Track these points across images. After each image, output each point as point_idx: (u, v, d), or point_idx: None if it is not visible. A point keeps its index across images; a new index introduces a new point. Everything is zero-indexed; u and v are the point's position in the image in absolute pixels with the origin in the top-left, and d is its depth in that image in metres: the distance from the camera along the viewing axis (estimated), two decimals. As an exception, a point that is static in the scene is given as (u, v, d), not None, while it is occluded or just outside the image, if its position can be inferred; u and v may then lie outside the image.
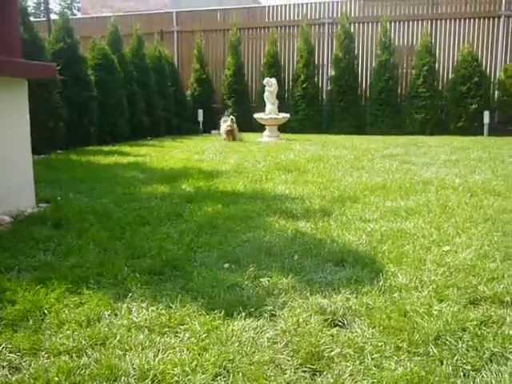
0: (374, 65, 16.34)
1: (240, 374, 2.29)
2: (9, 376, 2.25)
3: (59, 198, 5.58)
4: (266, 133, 13.70)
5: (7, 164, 4.90)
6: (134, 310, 2.88)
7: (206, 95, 18.08)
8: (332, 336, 2.65)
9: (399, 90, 16.20)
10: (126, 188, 6.27)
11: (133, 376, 2.24)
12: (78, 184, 6.51)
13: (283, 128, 14.30)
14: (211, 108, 17.91)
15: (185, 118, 17.05)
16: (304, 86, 16.63)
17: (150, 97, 14.85)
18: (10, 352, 2.44)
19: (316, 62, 17.08)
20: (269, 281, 3.34)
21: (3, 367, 2.32)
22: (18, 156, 5.13)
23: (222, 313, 2.84)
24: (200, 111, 17.54)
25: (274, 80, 14.03)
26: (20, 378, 2.22)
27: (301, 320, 2.81)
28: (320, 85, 17.22)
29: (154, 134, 14.67)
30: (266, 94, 13.97)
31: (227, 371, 2.32)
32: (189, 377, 2.25)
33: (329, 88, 16.77)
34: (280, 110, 14.05)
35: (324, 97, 17.13)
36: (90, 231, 4.34)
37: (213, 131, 16.81)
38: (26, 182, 5.19)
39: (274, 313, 2.90)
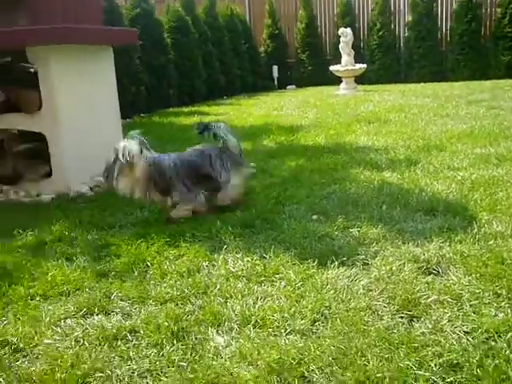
0: (454, 6, 15.51)
1: (338, 319, 2.34)
2: (122, 321, 2.42)
3: (147, 159, 5.78)
4: (342, 85, 13.44)
5: (99, 126, 5.12)
6: (229, 260, 2.99)
7: (279, 51, 17.88)
8: (427, 283, 2.65)
9: (483, 32, 15.32)
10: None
11: (235, 321, 2.35)
12: (162, 145, 6.68)
13: (359, 79, 13.96)
14: (285, 63, 17.73)
15: (259, 75, 17.00)
16: (380, 34, 16.08)
17: (225, 56, 14.90)
18: (121, 300, 2.61)
19: (392, 9, 16.42)
20: (359, 231, 3.36)
21: (116, 313, 2.50)
22: (108, 119, 5.35)
23: (315, 262, 2.90)
24: (274, 67, 17.41)
25: (349, 30, 13.66)
26: (133, 323, 2.38)
27: (394, 268, 2.81)
28: (397, 32, 16.58)
29: (230, 93, 14.77)
30: (341, 44, 13.65)
31: (325, 317, 2.39)
32: (288, 322, 2.33)
33: (406, 35, 16.12)
34: (355, 60, 13.71)
35: (401, 44, 16.51)
36: (181, 188, 4.49)
37: (288, 87, 16.70)
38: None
39: (366, 262, 2.92)
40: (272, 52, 17.77)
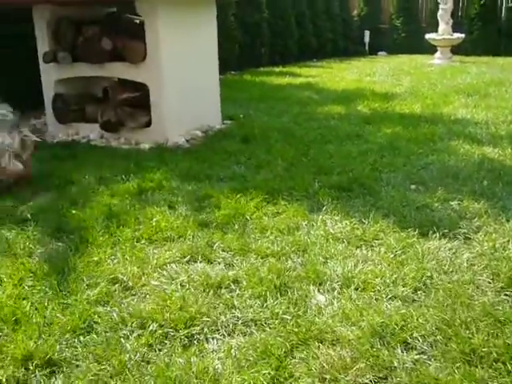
0: None
1: (440, 290, 2.31)
2: (225, 271, 2.49)
3: (241, 116, 5.84)
4: (437, 54, 12.90)
5: (199, 80, 5.19)
6: (328, 222, 3.00)
7: (373, 15, 17.31)
8: (533, 263, 2.55)
9: None
10: (303, 108, 6.37)
11: (337, 282, 2.36)
12: (256, 103, 6.73)
13: (455, 49, 13.32)
14: (378, 28, 17.18)
15: (351, 40, 16.58)
16: (481, 3, 15.22)
17: (318, 18, 14.61)
18: (223, 250, 2.69)
19: (496, -23, 15.45)
20: (459, 204, 3.27)
21: (219, 263, 2.57)
22: (207, 73, 5.41)
23: (416, 231, 2.85)
24: (366, 32, 16.92)
25: (450, -3, 13.02)
26: (235, 274, 2.45)
27: (498, 245, 2.73)
28: (499, 2, 15.62)
29: (320, 56, 14.52)
30: (440, 12, 13.04)
31: (426, 287, 2.36)
32: (390, 288, 2.32)
33: (510, 4, 15.17)
34: (453, 29, 13.08)
35: (503, 15, 15.56)
36: (276, 147, 4.53)
37: (379, 53, 16.22)
38: (215, 100, 5.48)
39: (468, 236, 2.85)
40: (365, 16, 17.25)
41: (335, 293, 2.29)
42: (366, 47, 16.81)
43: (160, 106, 4.81)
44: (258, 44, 11.63)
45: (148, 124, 4.93)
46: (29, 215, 3.14)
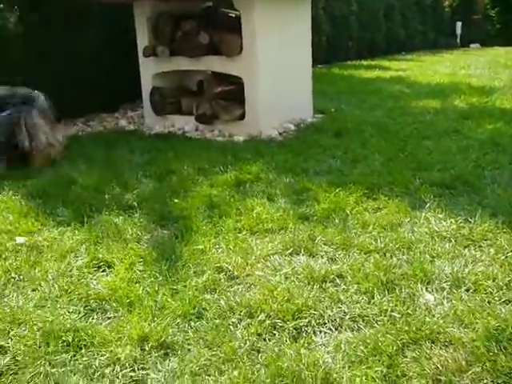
0: None
1: (559, 294, 2.19)
2: (328, 265, 2.48)
3: (333, 110, 5.79)
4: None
5: (292, 74, 5.20)
6: (432, 219, 2.91)
7: (465, 6, 16.71)
8: None
9: None
10: (396, 102, 6.24)
11: (446, 282, 2.30)
12: (346, 96, 6.66)
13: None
14: (471, 20, 16.55)
15: (441, 32, 16.08)
16: None
17: (407, 9, 14.25)
18: (325, 244, 2.67)
19: None
20: None
21: (321, 257, 2.56)
22: (302, 68, 5.40)
23: (530, 233, 2.72)
24: (458, 23, 16.36)
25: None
26: (339, 268, 2.43)
27: None
28: None
29: (409, 49, 14.17)
30: (541, 2, 12.38)
31: (542, 291, 2.24)
32: (503, 291, 2.23)
33: None
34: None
35: None
36: (371, 141, 4.46)
37: (472, 45, 15.63)
38: (307, 93, 5.47)
39: None
40: (457, 7, 16.67)
41: (445, 293, 2.22)
42: (458, 39, 16.25)
43: (254, 99, 4.85)
44: (345, 37, 11.50)
45: (242, 117, 4.99)
46: (135, 203, 3.26)
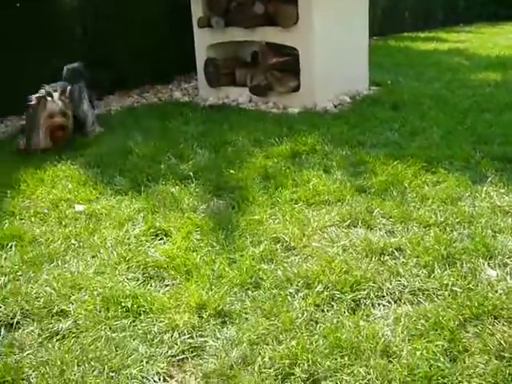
0: None
1: None
2: (386, 238, 2.44)
3: (389, 82, 5.66)
4: None
5: (348, 46, 5.08)
6: (493, 194, 2.82)
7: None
8: None
9: None
10: (454, 74, 6.04)
11: (509, 257, 2.23)
12: (403, 69, 6.49)
13: None
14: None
15: (502, 2, 15.36)
16: None
17: (467, -22, 13.71)
18: (382, 217, 2.63)
19: None
20: None
21: (380, 229, 2.53)
22: (359, 39, 5.28)
23: None
24: (522, -7, 15.56)
25: None
26: (398, 241, 2.39)
27: None
28: None
29: (467, 20, 13.65)
30: None
31: None
32: None
33: None
34: None
35: None
36: (430, 114, 4.35)
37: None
38: (363, 65, 5.35)
39: None
40: (520, -25, 15.86)
41: (508, 268, 2.16)
42: (521, 10, 15.46)
43: (309, 71, 4.78)
44: (401, 8, 11.16)
45: (296, 88, 4.93)
46: (191, 173, 3.28)
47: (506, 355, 1.71)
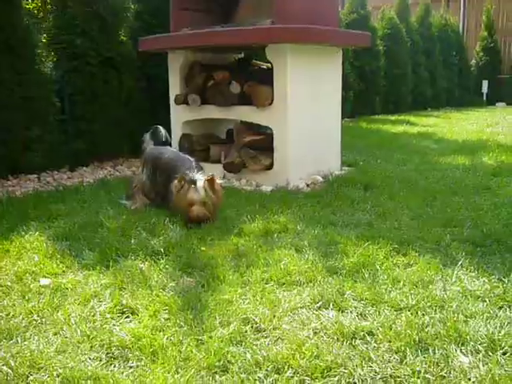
0: None
1: None
2: (358, 320, 2.41)
3: (361, 163, 5.79)
4: None
5: (321, 126, 5.22)
6: (464, 278, 2.83)
7: (492, 65, 16.83)
8: None
9: None
10: (423, 157, 6.21)
11: (481, 344, 2.20)
12: (374, 150, 6.66)
13: None
14: (497, 79, 16.63)
15: (467, 89, 16.16)
16: None
17: (434, 67, 14.41)
18: (354, 299, 2.60)
19: None
20: None
21: (351, 312, 2.49)
22: (331, 120, 5.43)
23: None
24: (485, 82, 16.43)
25: None
26: (369, 325, 2.35)
27: None
28: None
29: (434, 105, 14.24)
30: None
31: None
32: (540, 356, 2.13)
33: None
34: None
35: None
36: (400, 196, 4.42)
37: (498, 103, 15.66)
38: (337, 146, 5.48)
39: None
40: (484, 66, 16.79)
41: (480, 355, 2.13)
42: (484, 97, 16.31)
43: (283, 150, 4.87)
44: (372, 92, 11.61)
45: (270, 167, 5.00)
46: (161, 248, 3.23)
47: None
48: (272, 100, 4.84)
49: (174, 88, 5.48)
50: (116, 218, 3.87)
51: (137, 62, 6.11)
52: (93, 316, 2.48)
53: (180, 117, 5.48)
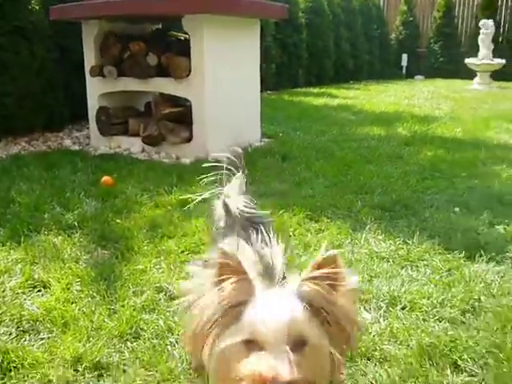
0: None
1: (489, 313, 2.27)
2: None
3: (281, 134, 5.88)
4: (476, 80, 12.83)
5: (240, 98, 5.25)
6: (372, 241, 2.98)
7: (411, 39, 17.32)
8: None
9: None
10: (341, 128, 6.38)
11: (383, 300, 2.34)
12: (294, 122, 6.77)
13: (494, 75, 13.20)
14: (416, 52, 17.16)
15: (388, 62, 16.60)
16: (524, 28, 15.10)
17: (356, 40, 14.68)
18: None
19: (541, 3, 15.34)
20: (505, 229, 3.21)
21: (263, 277, 2.57)
22: (250, 92, 5.46)
23: (462, 254, 2.81)
24: (404, 56, 16.91)
25: (491, 22, 12.97)
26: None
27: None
28: (543, 28, 15.48)
29: (356, 78, 14.56)
30: (481, 37, 12.99)
31: (475, 309, 2.31)
32: (437, 309, 2.29)
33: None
34: (493, 55, 12.99)
35: (545, 41, 15.37)
36: (316, 165, 4.54)
37: (416, 77, 16.19)
38: (255, 117, 5.53)
39: (516, 261, 2.79)
40: (403, 40, 17.26)
41: (381, 311, 2.26)
42: (404, 71, 16.79)
43: (202, 122, 4.87)
44: (295, 64, 11.72)
45: (189, 139, 4.99)
46: (75, 222, 3.19)
47: (376, 395, 1.78)
48: (189, 72, 4.81)
49: (89, 59, 5.33)
50: (29, 194, 3.76)
51: (49, 31, 5.87)
52: (3, 291, 2.43)
53: (96, 89, 5.35)
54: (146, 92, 5.33)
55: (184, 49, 4.88)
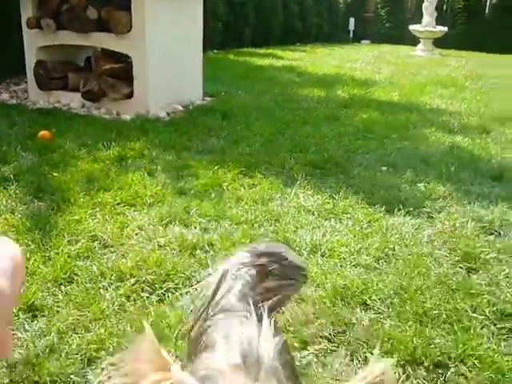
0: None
1: (400, 260, 2.48)
2: (200, 234, 2.63)
3: (223, 94, 5.95)
4: (419, 46, 13.11)
5: (182, 55, 5.27)
6: (301, 195, 3.15)
7: (358, 3, 17.44)
8: (488, 242, 2.73)
9: None
10: (284, 89, 6.49)
11: (305, 248, 2.52)
12: (238, 82, 6.83)
13: (438, 43, 13.54)
14: (363, 17, 17.32)
15: (336, 26, 16.70)
16: (467, -3, 15.44)
17: (304, 1, 14.66)
18: (199, 216, 2.81)
19: (483, -28, 15.68)
20: (425, 186, 3.44)
21: (195, 227, 2.70)
22: (191, 50, 5.48)
23: (383, 208, 3.02)
24: (351, 20, 17.03)
25: (435, -11, 13.20)
26: (210, 237, 2.58)
27: (457, 224, 2.91)
28: (484, -2, 15.86)
29: (304, 40, 14.61)
30: (425, 4, 13.21)
31: (388, 257, 2.53)
32: (354, 256, 2.49)
33: (494, 1, 15.41)
34: (436, 22, 13.28)
35: (487, 12, 15.79)
36: (255, 124, 4.66)
37: (363, 41, 16.39)
38: (197, 76, 5.57)
39: (431, 215, 3.03)
40: (351, 4, 17.37)
41: (303, 258, 2.44)
42: (351, 35, 16.94)
43: (143, 78, 4.88)
44: (241, 24, 11.66)
45: (130, 95, 5.00)
46: (11, 175, 3.22)
47: (291, 329, 1.96)
48: (130, 27, 4.79)
49: (26, 11, 5.20)
50: (-36, 146, 3.74)
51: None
52: None
53: (34, 42, 5.25)
54: (86, 47, 5.27)
55: (125, 3, 4.84)
